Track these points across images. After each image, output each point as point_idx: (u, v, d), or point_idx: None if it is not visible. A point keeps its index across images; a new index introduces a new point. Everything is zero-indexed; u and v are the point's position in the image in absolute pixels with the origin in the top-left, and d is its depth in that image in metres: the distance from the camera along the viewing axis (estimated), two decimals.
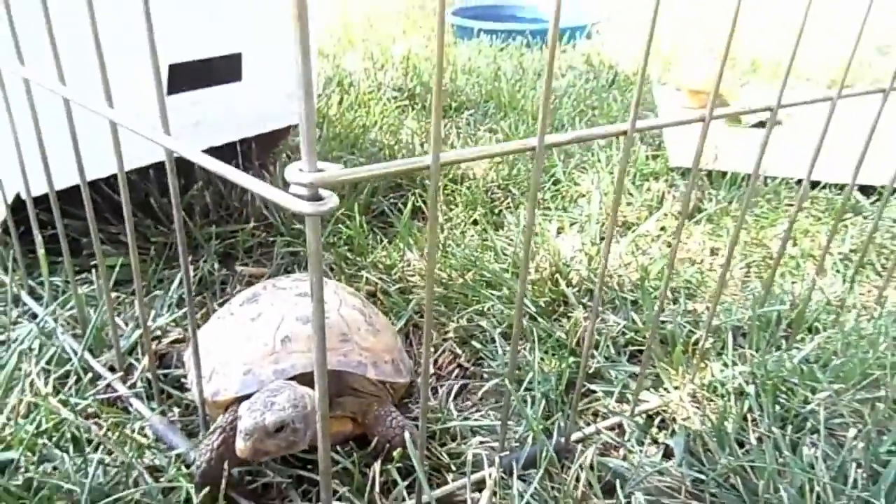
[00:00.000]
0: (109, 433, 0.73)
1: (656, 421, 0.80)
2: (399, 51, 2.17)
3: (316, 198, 0.46)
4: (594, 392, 0.84)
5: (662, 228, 1.23)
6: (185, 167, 1.24)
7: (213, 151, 1.22)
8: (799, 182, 1.38)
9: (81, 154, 0.73)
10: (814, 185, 1.38)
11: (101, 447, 0.71)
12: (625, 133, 0.54)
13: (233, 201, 1.20)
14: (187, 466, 0.68)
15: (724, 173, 1.37)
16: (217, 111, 1.09)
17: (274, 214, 1.15)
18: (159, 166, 1.17)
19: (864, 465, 0.69)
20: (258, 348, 0.71)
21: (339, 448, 0.71)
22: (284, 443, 0.62)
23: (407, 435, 0.66)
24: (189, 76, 1.03)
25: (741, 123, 1.69)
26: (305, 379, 0.69)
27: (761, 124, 1.76)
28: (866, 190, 1.35)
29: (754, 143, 1.52)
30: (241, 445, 0.60)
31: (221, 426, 0.67)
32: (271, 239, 1.12)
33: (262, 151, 1.29)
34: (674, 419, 0.79)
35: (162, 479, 0.67)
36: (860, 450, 0.71)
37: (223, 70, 1.06)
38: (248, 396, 0.67)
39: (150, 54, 0.57)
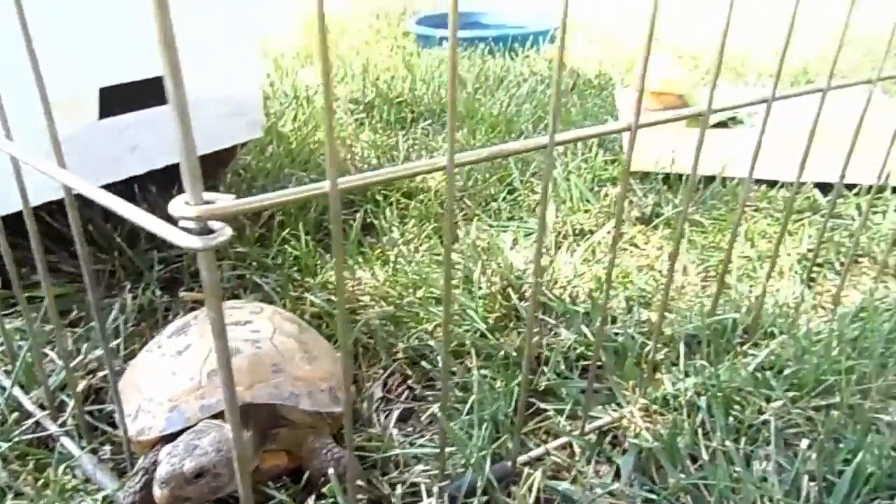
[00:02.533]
0: (32, 477, 0.69)
1: (608, 438, 0.77)
2: (358, 63, 2.14)
3: (206, 231, 0.43)
4: (545, 410, 0.81)
5: (620, 235, 1.21)
6: (125, 191, 1.21)
7: (158, 174, 1.19)
8: (759, 182, 1.36)
9: None
10: (772, 184, 1.37)
11: (20, 495, 0.67)
12: (544, 147, 0.51)
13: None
14: None
15: (682, 176, 1.36)
16: (154, 134, 1.06)
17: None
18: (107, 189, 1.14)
19: (818, 477, 0.67)
20: (184, 383, 0.68)
21: (271, 483, 0.68)
22: (206, 489, 0.59)
23: (331, 471, 0.62)
24: (121, 99, 0.99)
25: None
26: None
27: (722, 125, 1.75)
28: (825, 188, 1.34)
29: (715, 144, 1.52)
30: (157, 494, 0.57)
31: (144, 467, 0.64)
32: (217, 263, 1.08)
33: (208, 173, 1.25)
34: (626, 436, 0.77)
35: None
36: (814, 461, 0.69)
37: (157, 91, 1.02)
38: (174, 435, 0.64)
39: (35, 81, 0.53)
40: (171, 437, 0.65)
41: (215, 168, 1.27)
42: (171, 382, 0.68)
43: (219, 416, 0.65)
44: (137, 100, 1.03)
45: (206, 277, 0.44)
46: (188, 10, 1.03)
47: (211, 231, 0.43)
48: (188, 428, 0.64)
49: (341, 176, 0.45)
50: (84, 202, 1.14)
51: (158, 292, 1.01)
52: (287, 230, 1.13)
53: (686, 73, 1.96)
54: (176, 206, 0.42)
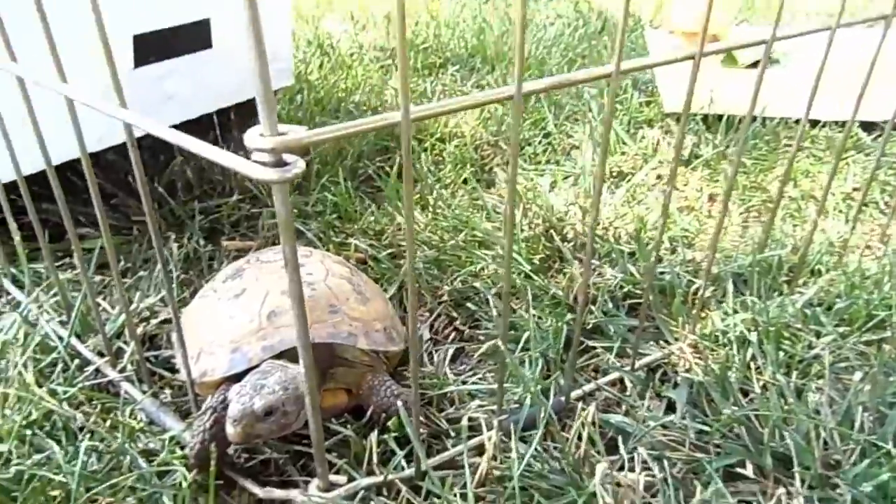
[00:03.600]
0: (100, 419, 0.71)
1: (658, 374, 0.78)
2: (380, 10, 2.10)
3: (280, 164, 0.43)
4: (594, 348, 0.82)
5: (658, 177, 1.20)
6: (164, 144, 1.22)
7: (192, 124, 1.19)
8: (798, 122, 1.34)
9: (47, 136, 0.70)
10: (814, 123, 1.34)
11: (93, 434, 0.69)
12: (609, 76, 0.50)
13: (215, 175, 1.17)
14: (181, 448, 0.67)
15: (721, 116, 1.34)
16: (189, 83, 1.05)
17: (258, 186, 1.12)
18: (140, 144, 1.14)
19: (871, 408, 0.67)
20: (244, 325, 0.69)
21: (334, 420, 0.69)
22: (276, 426, 0.60)
23: (400, 403, 0.64)
24: (155, 46, 0.99)
25: (737, 64, 1.64)
26: (294, 355, 0.67)
27: (757, 64, 1.71)
28: (869, 127, 1.32)
29: (751, 83, 1.48)
30: (230, 431, 0.59)
31: (212, 406, 0.65)
32: (257, 211, 1.09)
33: (242, 122, 1.25)
34: (675, 371, 0.77)
35: (155, 463, 0.65)
36: (866, 393, 0.69)
37: (191, 38, 1.02)
38: (237, 376, 0.66)
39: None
40: (234, 378, 0.67)
41: (249, 117, 1.27)
42: (230, 325, 0.70)
43: (279, 357, 0.66)
44: (172, 48, 1.02)
45: (281, 211, 0.44)
46: None
47: (285, 163, 0.43)
48: (251, 369, 0.66)
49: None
50: (121, 154, 1.15)
51: (202, 242, 1.02)
52: (325, 178, 1.13)
53: (720, 12, 1.91)
54: (251, 137, 0.42)
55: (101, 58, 0.88)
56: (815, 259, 0.92)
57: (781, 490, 0.63)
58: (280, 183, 0.43)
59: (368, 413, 0.68)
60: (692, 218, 1.05)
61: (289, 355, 0.66)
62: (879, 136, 1.23)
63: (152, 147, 1.16)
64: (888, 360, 0.75)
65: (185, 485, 0.61)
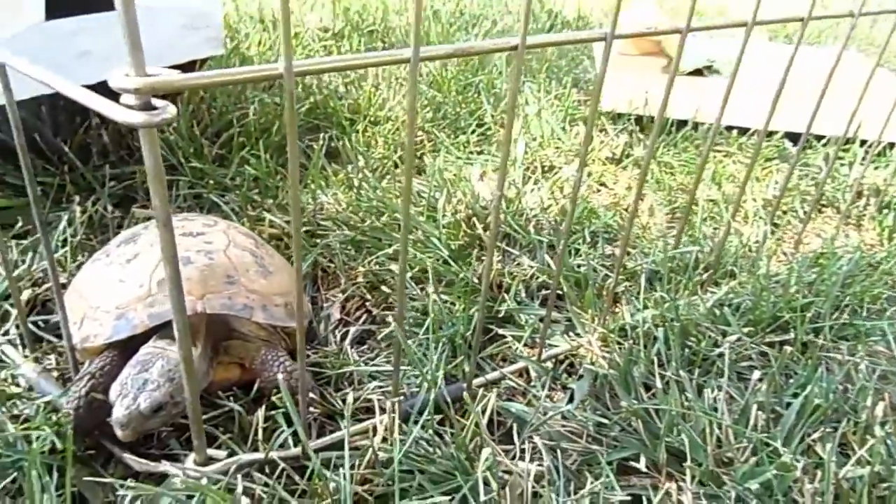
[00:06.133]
0: None
1: (564, 366, 0.77)
2: None
3: (148, 107, 0.40)
4: (503, 336, 0.80)
5: (589, 174, 1.19)
6: (79, 104, 1.16)
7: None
8: (730, 129, 1.36)
9: None
10: (744, 131, 1.36)
11: None
12: (515, 48, 0.49)
13: (134, 141, 1.12)
14: (57, 412, 0.63)
15: (654, 118, 1.34)
16: (105, 41, 1.00)
17: (175, 153, 1.07)
18: (52, 102, 1.08)
19: (766, 407, 0.68)
20: (132, 291, 0.65)
21: (221, 394, 0.66)
22: (168, 417, 0.58)
23: (281, 377, 0.61)
24: (69, 0, 0.94)
25: (678, 70, 1.66)
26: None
27: (698, 73, 1.74)
28: (795, 138, 1.34)
29: (689, 89, 1.51)
30: (119, 434, 0.56)
31: (90, 372, 0.62)
32: (173, 179, 1.04)
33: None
34: (582, 364, 0.77)
35: (22, 427, 0.61)
36: (764, 392, 0.69)
37: None
38: (122, 344, 0.62)
39: None
40: (117, 345, 0.63)
41: None
42: (118, 290, 0.66)
43: (167, 326, 0.63)
44: (88, 1, 0.97)
45: (149, 158, 0.41)
46: None
47: (154, 108, 0.40)
48: (134, 337, 0.62)
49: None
50: (31, 112, 1.09)
51: (110, 208, 0.97)
52: (247, 150, 1.09)
53: (666, 19, 1.93)
54: (116, 77, 0.39)
55: (8, 5, 0.83)
56: (731, 261, 0.93)
57: (672, 485, 0.63)
58: (146, 127, 0.40)
59: (256, 386, 0.65)
60: (616, 215, 1.05)
61: None
62: (806, 147, 1.26)
63: (68, 108, 1.10)
64: (788, 362, 0.75)
65: (48, 453, 0.58)
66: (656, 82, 1.53)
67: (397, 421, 0.60)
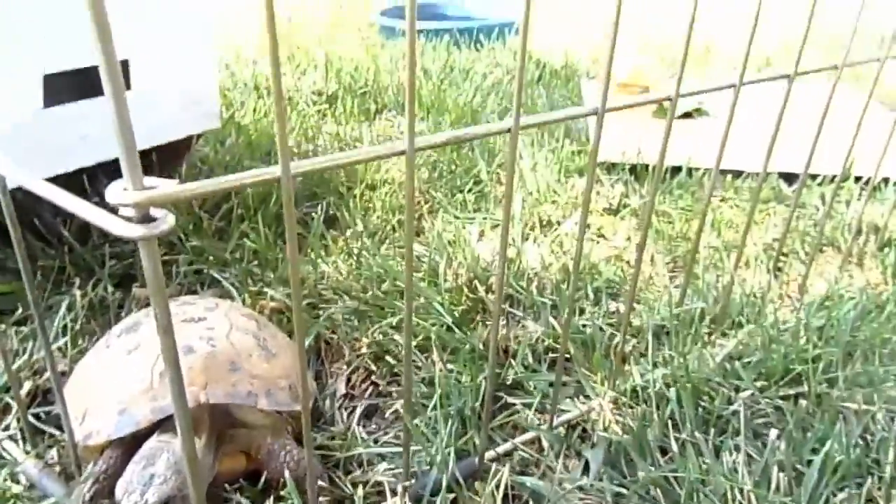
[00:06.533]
0: None
1: (577, 431, 0.76)
2: (321, 54, 2.10)
3: (147, 219, 0.40)
4: (513, 404, 0.79)
5: (588, 226, 1.19)
6: (78, 184, 1.16)
7: (111, 167, 1.14)
8: (724, 172, 1.36)
9: None
10: (738, 174, 1.37)
11: None
12: (508, 131, 0.49)
13: None
14: None
15: (648, 167, 1.35)
16: (104, 124, 1.01)
17: (176, 231, 1.07)
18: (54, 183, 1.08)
19: (787, 467, 0.66)
20: (134, 384, 0.64)
21: (227, 486, 0.65)
22: None
23: (287, 474, 0.59)
24: (68, 87, 0.95)
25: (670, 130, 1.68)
26: (192, 413, 0.63)
27: (687, 115, 1.76)
28: (789, 178, 1.35)
29: (681, 134, 1.51)
30: None
31: (94, 474, 0.60)
32: (173, 258, 1.04)
33: (164, 166, 1.21)
34: (594, 429, 0.75)
35: None
36: (783, 451, 0.68)
37: None
38: (125, 441, 0.61)
39: None
40: (120, 442, 0.62)
41: (172, 160, 1.23)
42: (120, 383, 0.65)
43: (171, 419, 0.62)
44: (85, 88, 0.98)
45: (149, 269, 0.41)
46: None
47: (153, 219, 0.40)
48: (137, 433, 0.61)
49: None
50: (30, 195, 1.09)
51: (111, 289, 0.96)
52: (246, 223, 1.09)
53: (653, 64, 1.96)
54: (113, 192, 0.39)
55: (6, 96, 0.84)
56: (737, 310, 0.92)
57: None
58: (146, 240, 0.39)
59: (263, 478, 0.64)
60: (618, 268, 1.04)
61: None
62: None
63: (68, 187, 1.11)
64: (804, 416, 0.74)
65: None
66: (647, 128, 1.54)
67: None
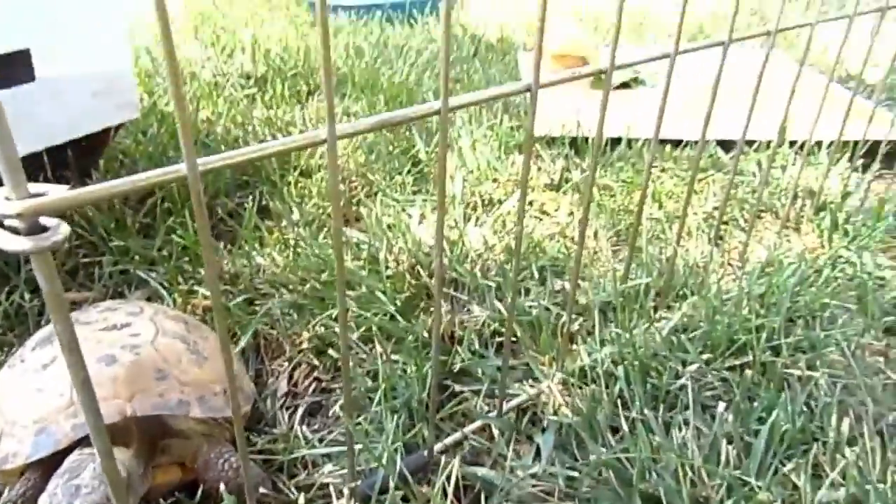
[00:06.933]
0: None
1: (527, 416, 0.74)
2: (248, 35, 2.01)
3: (36, 229, 0.35)
4: (461, 392, 0.77)
5: (530, 203, 1.18)
6: None
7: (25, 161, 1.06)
8: (663, 142, 1.36)
9: None
10: (676, 144, 1.37)
11: None
12: (437, 112, 0.46)
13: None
14: None
15: (588, 139, 1.34)
16: (13, 118, 0.93)
17: (98, 230, 1.01)
18: None
19: (735, 439, 0.66)
20: (52, 401, 0.60)
21: (162, 501, 0.61)
22: None
23: (223, 487, 0.56)
24: None
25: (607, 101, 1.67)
26: (115, 429, 0.59)
27: (625, 85, 1.76)
28: (726, 146, 1.36)
29: (619, 104, 1.50)
30: None
31: (11, 500, 0.56)
32: (96, 259, 0.98)
33: (82, 160, 1.14)
34: (545, 412, 0.74)
35: None
36: (730, 423, 0.68)
37: (9, 69, 0.91)
38: (44, 462, 0.56)
39: None
40: (39, 464, 0.58)
41: (88, 154, 1.16)
42: (36, 401, 0.60)
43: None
44: None
45: (44, 284, 0.37)
46: None
47: (44, 229, 0.36)
48: (58, 452, 0.57)
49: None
50: None
51: (28, 296, 0.90)
52: (173, 218, 1.03)
53: (587, 35, 1.95)
54: None
55: None
56: (681, 282, 0.92)
57: None
58: (37, 253, 0.35)
59: (200, 490, 0.60)
60: (561, 245, 1.03)
61: (111, 429, 0.58)
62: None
63: None
64: (750, 386, 0.74)
65: None
66: (586, 99, 1.53)
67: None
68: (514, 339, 0.83)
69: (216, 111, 1.47)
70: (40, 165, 1.04)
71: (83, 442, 0.58)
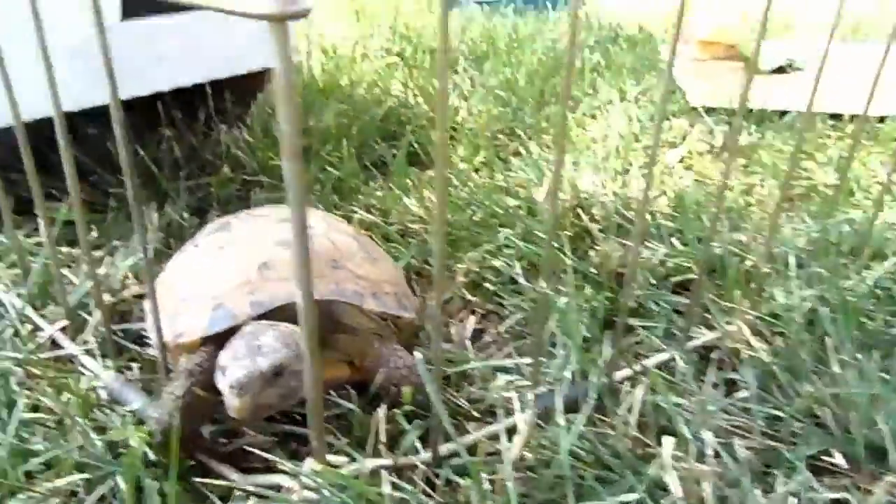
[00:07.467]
0: (49, 392, 0.59)
1: (710, 362, 0.66)
2: (386, 19, 2.04)
3: None
4: (633, 328, 0.70)
5: (688, 167, 1.10)
6: (152, 115, 1.11)
7: (183, 97, 1.09)
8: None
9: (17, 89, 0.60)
10: (834, 116, 1.26)
11: (37, 409, 0.57)
12: None
13: (205, 154, 1.07)
14: (142, 423, 0.55)
15: (750, 111, 1.25)
16: (181, 45, 0.95)
17: (252, 160, 1.02)
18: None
19: None
20: (230, 278, 0.58)
21: (332, 393, 0.57)
22: (285, 390, 0.49)
23: (405, 389, 0.52)
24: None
25: (759, 71, 1.58)
26: (288, 313, 0.55)
27: (780, 70, 1.65)
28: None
29: (775, 86, 1.40)
30: (235, 404, 0.47)
31: (188, 369, 0.53)
32: (247, 192, 0.98)
33: (237, 102, 1.15)
34: (731, 356, 0.66)
35: (109, 437, 0.53)
36: None
37: None
38: (220, 337, 0.54)
39: None
40: (214, 340, 0.55)
41: (245, 96, 1.17)
42: (213, 279, 0.58)
43: (267, 317, 0.55)
44: (162, 3, 0.93)
45: (280, 58, 0.34)
46: None
47: None
48: (235, 329, 0.54)
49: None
50: (102, 127, 1.04)
51: (186, 215, 0.91)
52: (325, 152, 1.03)
53: (739, 23, 1.85)
54: None
55: (83, 4, 0.78)
56: (880, 240, 0.82)
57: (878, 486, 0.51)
58: (281, 19, 0.32)
59: (373, 386, 0.56)
60: (731, 202, 0.95)
61: (280, 316, 0.55)
62: None
63: (135, 125, 1.06)
64: None
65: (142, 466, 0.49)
66: (740, 82, 1.44)
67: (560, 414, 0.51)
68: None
69: (359, 75, 1.47)
70: (204, 102, 1.06)
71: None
